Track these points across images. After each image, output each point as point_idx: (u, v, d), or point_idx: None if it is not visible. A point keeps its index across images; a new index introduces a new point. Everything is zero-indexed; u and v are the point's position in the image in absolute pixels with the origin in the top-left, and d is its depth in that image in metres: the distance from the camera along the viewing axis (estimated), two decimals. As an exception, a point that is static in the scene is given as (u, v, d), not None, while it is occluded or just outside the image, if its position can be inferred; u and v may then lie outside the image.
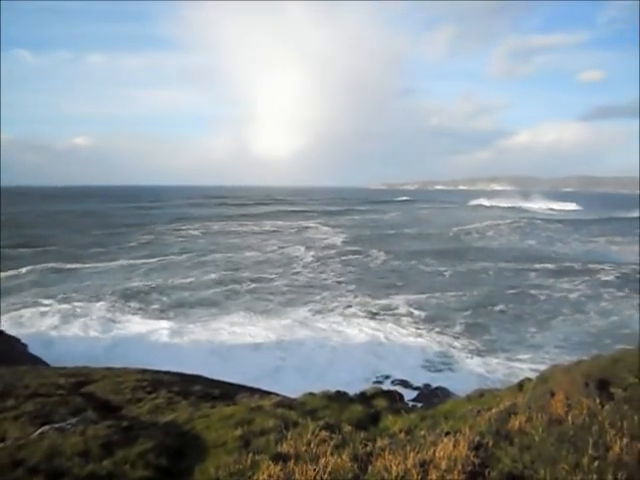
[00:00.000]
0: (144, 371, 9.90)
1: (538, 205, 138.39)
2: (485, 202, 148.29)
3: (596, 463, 4.01)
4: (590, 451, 4.21)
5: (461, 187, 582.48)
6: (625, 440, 4.28)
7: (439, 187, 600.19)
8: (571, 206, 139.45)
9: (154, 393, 7.83)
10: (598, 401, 4.98)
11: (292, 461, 4.52)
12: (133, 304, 28.81)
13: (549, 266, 41.08)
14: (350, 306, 29.09)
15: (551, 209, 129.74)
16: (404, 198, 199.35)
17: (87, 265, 42.36)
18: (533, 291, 32.69)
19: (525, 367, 19.17)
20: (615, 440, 4.30)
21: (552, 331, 24.83)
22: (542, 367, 8.36)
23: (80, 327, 24.35)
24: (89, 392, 8.21)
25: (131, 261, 44.23)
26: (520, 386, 6.43)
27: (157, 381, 8.74)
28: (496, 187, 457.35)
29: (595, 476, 3.83)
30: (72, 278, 36.58)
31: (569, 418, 4.78)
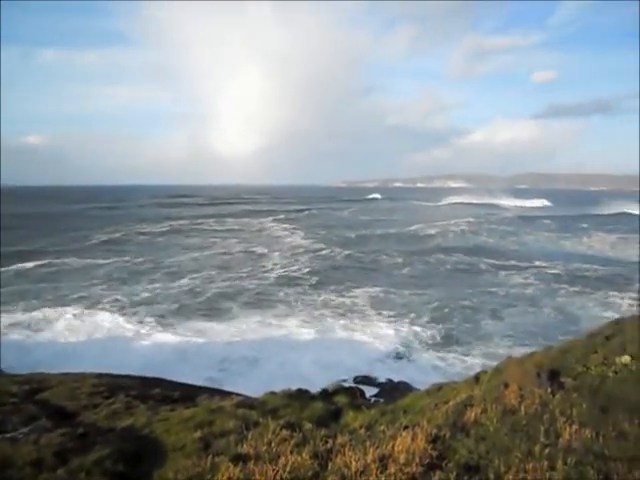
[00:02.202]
0: (101, 375, 9.64)
1: (507, 202, 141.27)
2: (457, 199, 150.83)
3: (547, 450, 4.17)
4: (542, 439, 4.37)
5: (419, 184, 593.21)
6: (574, 427, 4.47)
7: (398, 184, 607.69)
8: (540, 202, 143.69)
9: (112, 398, 7.62)
10: (549, 390, 5.16)
11: (252, 461, 4.51)
12: (95, 307, 27.93)
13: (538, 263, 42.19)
14: (315, 304, 29.16)
15: (523, 206, 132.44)
16: (373, 196, 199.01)
17: (44, 262, 41.31)
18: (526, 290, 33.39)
19: (478, 362, 19.67)
20: (565, 427, 4.49)
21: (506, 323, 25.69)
22: (497, 360, 8.61)
23: (36, 331, 23.50)
24: (44, 399, 7.93)
25: (88, 260, 43.12)
26: (476, 378, 6.59)
27: (115, 385, 8.53)
28: (453, 184, 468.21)
29: (546, 462, 3.97)
30: (28, 280, 35.24)
31: (522, 408, 4.94)
